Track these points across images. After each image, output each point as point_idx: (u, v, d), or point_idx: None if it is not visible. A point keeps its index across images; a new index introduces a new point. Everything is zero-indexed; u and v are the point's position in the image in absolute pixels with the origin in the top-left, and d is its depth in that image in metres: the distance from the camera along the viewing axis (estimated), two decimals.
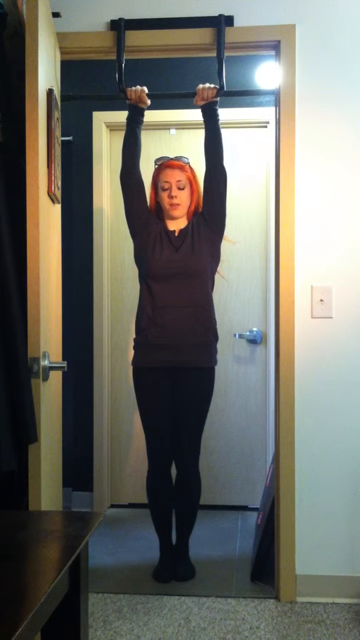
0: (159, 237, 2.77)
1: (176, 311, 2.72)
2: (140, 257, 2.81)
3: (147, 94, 2.78)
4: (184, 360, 2.72)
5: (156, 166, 2.88)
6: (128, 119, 2.80)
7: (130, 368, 2.89)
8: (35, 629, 1.20)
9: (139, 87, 2.74)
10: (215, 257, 2.82)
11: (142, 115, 2.80)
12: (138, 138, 2.79)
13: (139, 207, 2.81)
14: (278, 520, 2.66)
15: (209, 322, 2.77)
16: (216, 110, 2.75)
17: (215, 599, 2.64)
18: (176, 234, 2.79)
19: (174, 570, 2.81)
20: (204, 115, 2.77)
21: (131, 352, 2.91)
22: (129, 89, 2.74)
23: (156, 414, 2.79)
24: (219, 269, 2.87)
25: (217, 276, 2.88)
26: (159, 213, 2.87)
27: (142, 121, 2.81)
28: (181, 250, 2.75)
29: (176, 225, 2.82)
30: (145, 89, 2.76)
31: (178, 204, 2.78)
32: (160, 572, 2.81)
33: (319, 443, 2.64)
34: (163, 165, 2.83)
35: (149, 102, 2.79)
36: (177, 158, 2.85)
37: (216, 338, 2.82)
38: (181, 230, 2.79)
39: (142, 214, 2.81)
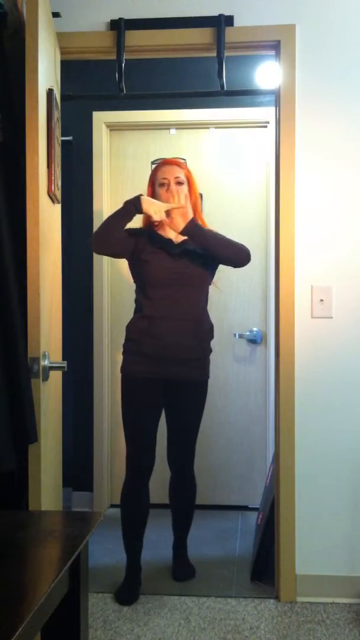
0: (154, 246, 2.68)
1: (173, 324, 2.63)
2: (136, 268, 2.72)
3: (146, 94, 2.76)
4: (176, 374, 2.65)
5: (153, 166, 2.82)
6: (130, 204, 2.58)
7: None
8: (35, 629, 1.20)
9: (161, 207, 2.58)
10: (212, 272, 2.77)
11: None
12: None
13: (123, 249, 2.67)
14: (278, 520, 2.66)
15: (205, 337, 2.72)
16: (196, 227, 2.58)
17: (215, 599, 2.64)
18: (175, 242, 2.70)
19: (136, 592, 2.68)
20: (191, 240, 2.63)
21: None
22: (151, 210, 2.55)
23: (143, 424, 2.68)
24: (215, 279, 2.81)
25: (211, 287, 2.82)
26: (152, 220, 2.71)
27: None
28: (181, 259, 2.67)
29: (175, 233, 2.68)
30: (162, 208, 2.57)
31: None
32: (122, 593, 2.66)
33: (319, 443, 2.64)
34: (161, 163, 2.77)
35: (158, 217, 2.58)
36: (175, 158, 2.81)
37: (210, 351, 2.76)
38: (183, 241, 2.69)
39: (128, 247, 2.67)
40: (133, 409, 2.68)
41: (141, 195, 2.59)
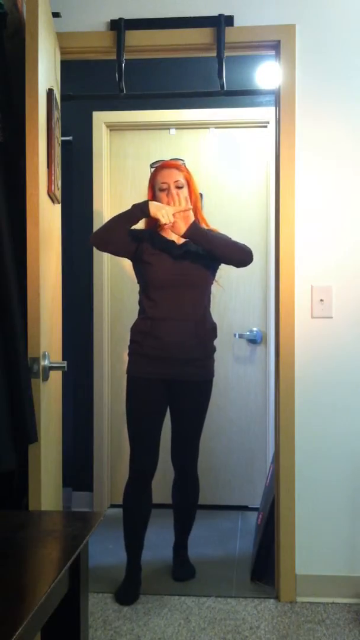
0: (157, 248, 2.68)
1: (175, 325, 2.64)
2: (139, 270, 2.73)
3: (146, 94, 2.76)
4: (178, 374, 2.65)
5: (152, 169, 2.81)
6: (137, 207, 2.59)
7: None
8: (35, 629, 1.20)
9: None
10: (213, 272, 2.77)
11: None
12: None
13: (122, 249, 2.71)
14: (278, 520, 2.66)
15: (208, 338, 2.71)
16: (198, 230, 2.58)
17: (215, 599, 2.64)
18: (177, 244, 2.70)
19: (136, 592, 2.68)
20: (194, 242, 2.63)
21: None
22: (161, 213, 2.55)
23: (146, 424, 2.68)
24: (216, 277, 2.82)
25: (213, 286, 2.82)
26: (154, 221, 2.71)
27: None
28: (183, 260, 2.67)
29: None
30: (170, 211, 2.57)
31: None
32: (122, 593, 2.66)
33: (319, 443, 2.64)
34: (159, 166, 2.75)
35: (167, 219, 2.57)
36: (173, 159, 2.80)
37: (214, 351, 2.76)
38: (185, 242, 2.70)
39: (129, 248, 2.69)
40: (136, 409, 2.69)
41: (149, 200, 2.61)
